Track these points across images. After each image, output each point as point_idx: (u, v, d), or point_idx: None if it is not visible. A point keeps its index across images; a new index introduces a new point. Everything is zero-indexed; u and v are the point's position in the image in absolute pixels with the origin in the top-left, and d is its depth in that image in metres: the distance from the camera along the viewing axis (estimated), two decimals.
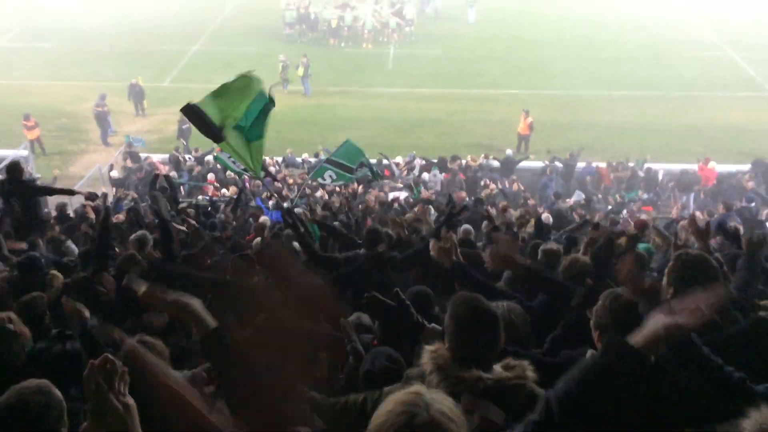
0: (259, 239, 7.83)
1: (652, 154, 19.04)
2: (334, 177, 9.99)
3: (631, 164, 18.32)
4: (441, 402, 1.54)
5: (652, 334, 1.79)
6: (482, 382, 2.22)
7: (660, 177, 18.13)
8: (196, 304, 1.82)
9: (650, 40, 30.20)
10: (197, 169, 17.92)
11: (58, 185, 14.83)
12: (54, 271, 4.75)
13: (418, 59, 28.45)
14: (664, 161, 18.85)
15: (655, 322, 1.82)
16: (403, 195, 15.44)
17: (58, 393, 2.25)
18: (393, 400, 1.55)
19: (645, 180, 17.92)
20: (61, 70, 26.76)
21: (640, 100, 23.97)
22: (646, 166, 18.32)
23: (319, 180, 10.59)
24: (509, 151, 18.97)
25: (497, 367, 2.35)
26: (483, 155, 18.96)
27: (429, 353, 2.37)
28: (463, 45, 30.25)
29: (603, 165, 18.41)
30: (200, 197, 15.56)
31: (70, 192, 9.21)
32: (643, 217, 11.37)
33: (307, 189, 15.93)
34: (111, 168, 17.90)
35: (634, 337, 1.80)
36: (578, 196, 16.34)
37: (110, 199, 14.91)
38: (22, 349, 3.39)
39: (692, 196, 17.28)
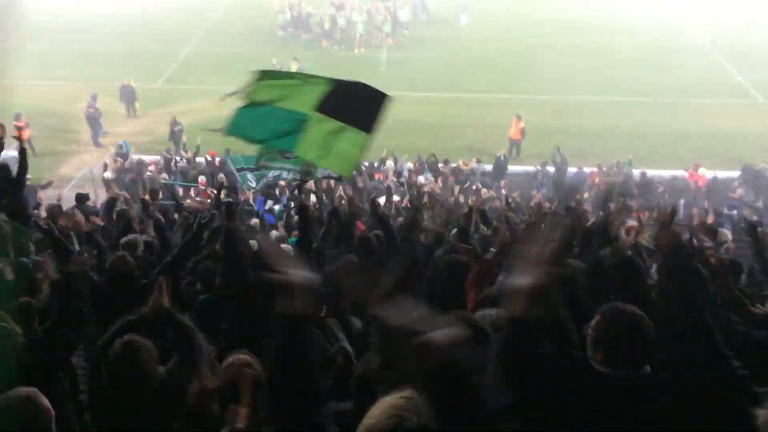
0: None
1: (644, 159, 19.13)
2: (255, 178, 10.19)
3: (624, 169, 18.40)
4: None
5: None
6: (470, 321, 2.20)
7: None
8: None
9: (642, 45, 30.33)
10: (190, 171, 17.87)
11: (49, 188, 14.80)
12: (41, 275, 4.71)
13: (411, 63, 28.48)
14: (655, 167, 18.94)
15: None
16: (395, 198, 15.42)
17: (46, 402, 2.24)
18: (384, 403, 1.53)
19: (640, 185, 17.97)
20: (52, 70, 26.64)
21: (632, 106, 24.09)
22: (640, 171, 18.38)
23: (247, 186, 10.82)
24: (501, 155, 19.02)
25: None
26: (474, 159, 19.01)
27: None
28: (456, 49, 30.30)
29: (594, 170, 18.48)
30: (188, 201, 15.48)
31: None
32: (632, 223, 11.39)
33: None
34: (105, 168, 17.80)
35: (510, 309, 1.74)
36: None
37: (100, 199, 14.86)
38: (14, 347, 3.40)
39: (682, 202, 17.36)
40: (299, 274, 1.78)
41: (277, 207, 15.04)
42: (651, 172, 18.50)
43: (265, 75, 6.95)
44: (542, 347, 1.79)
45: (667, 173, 18.57)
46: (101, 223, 9.24)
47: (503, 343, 1.76)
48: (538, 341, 1.76)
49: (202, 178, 16.97)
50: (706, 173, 17.97)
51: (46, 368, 3.32)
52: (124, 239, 5.96)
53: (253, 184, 11.74)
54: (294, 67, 23.83)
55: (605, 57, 28.89)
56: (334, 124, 6.60)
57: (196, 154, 18.64)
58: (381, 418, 1.48)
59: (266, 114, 6.85)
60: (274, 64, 23.70)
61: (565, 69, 27.54)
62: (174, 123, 20.23)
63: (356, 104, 6.76)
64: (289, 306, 1.74)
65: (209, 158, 18.01)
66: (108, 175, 17.40)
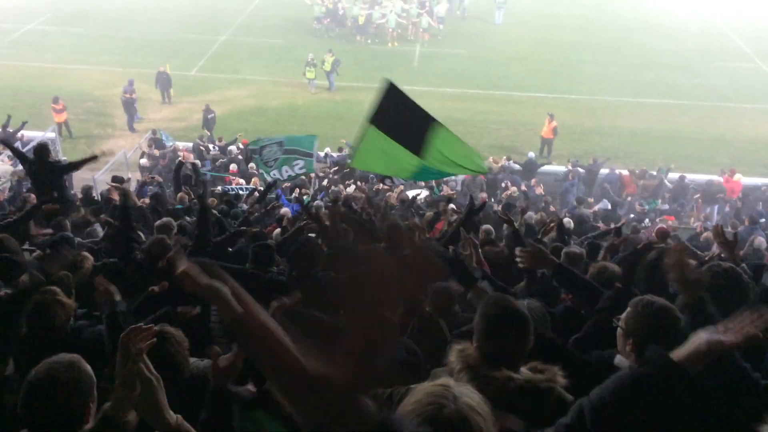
0: (279, 230, 7.91)
1: (677, 163, 18.85)
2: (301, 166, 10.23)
3: (653, 172, 18.14)
4: (469, 395, 1.55)
5: (694, 349, 1.79)
6: (513, 382, 2.21)
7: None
8: (226, 290, 1.81)
9: (679, 47, 29.83)
10: (220, 159, 18.06)
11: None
12: (85, 253, 4.79)
13: (444, 58, 28.37)
14: (689, 171, 18.62)
15: (699, 338, 1.82)
16: (423, 193, 15.44)
17: (89, 368, 2.28)
18: (421, 391, 1.56)
19: (673, 190, 17.71)
20: (91, 55, 27.10)
21: (667, 108, 23.72)
22: (677, 176, 18.10)
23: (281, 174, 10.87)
24: (531, 154, 18.89)
25: (525, 370, 2.35)
26: (505, 157, 18.89)
27: (457, 352, 2.36)
28: (489, 46, 30.11)
29: (626, 172, 18.25)
30: (220, 187, 15.66)
31: (94, 158, 9.17)
32: (664, 226, 11.26)
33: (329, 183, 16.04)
34: (142, 155, 18.10)
35: (676, 352, 1.80)
36: (604, 204, 16.23)
37: (134, 184, 15.12)
38: (68, 320, 3.48)
39: (716, 207, 17.08)
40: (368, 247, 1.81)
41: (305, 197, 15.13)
42: (686, 176, 18.22)
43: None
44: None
45: (701, 178, 18.24)
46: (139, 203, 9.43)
47: None
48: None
49: (233, 166, 17.15)
50: (742, 179, 17.62)
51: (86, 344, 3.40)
52: (159, 222, 6.05)
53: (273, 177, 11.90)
54: (329, 60, 23.88)
55: (642, 58, 28.45)
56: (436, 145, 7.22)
57: (228, 143, 18.81)
58: (419, 405, 1.51)
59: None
60: (309, 59, 23.65)
61: (600, 69, 27.22)
62: (207, 111, 20.47)
63: (401, 119, 7.04)
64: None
65: (241, 146, 18.18)
66: (144, 162, 17.69)
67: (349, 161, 9.02)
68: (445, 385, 1.56)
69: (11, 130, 17.61)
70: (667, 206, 17.19)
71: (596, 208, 15.76)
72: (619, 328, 2.68)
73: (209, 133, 20.25)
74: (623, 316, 2.69)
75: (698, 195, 17.58)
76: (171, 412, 1.74)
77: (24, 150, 17.02)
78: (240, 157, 17.83)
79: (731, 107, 23.83)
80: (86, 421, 2.13)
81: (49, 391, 2.16)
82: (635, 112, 23.38)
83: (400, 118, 6.98)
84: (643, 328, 2.54)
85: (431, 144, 7.12)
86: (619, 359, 2.69)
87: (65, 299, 3.55)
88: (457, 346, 2.39)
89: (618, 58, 28.44)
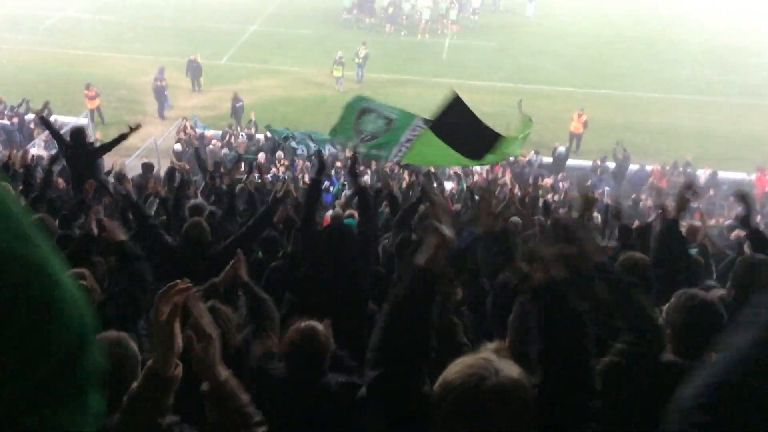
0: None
1: (709, 161, 18.53)
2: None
3: (688, 170, 17.87)
4: (510, 369, 1.56)
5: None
6: None
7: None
8: (212, 354, 1.79)
9: (714, 43, 29.26)
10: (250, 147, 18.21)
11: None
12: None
13: (473, 51, 28.19)
14: (721, 168, 18.31)
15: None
16: (449, 185, 15.40)
17: (134, 346, 2.35)
18: (462, 363, 1.58)
19: (704, 187, 17.43)
20: (124, 43, 27.45)
21: (700, 105, 23.31)
22: (709, 171, 17.82)
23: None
24: (562, 148, 18.71)
25: None
26: (533, 151, 18.75)
27: (489, 351, 2.37)
28: (520, 39, 29.85)
29: (656, 168, 18.00)
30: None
31: (124, 136, 9.20)
32: (696, 223, 11.09)
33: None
34: (177, 140, 18.31)
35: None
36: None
37: (163, 171, 15.31)
38: (91, 304, 3.54)
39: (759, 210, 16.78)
40: (448, 231, 1.84)
41: (332, 188, 15.20)
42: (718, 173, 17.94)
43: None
44: (574, 307, 1.87)
45: (733, 176, 17.93)
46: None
47: (535, 313, 1.87)
48: (567, 302, 1.86)
49: (261, 155, 17.25)
50: None
51: (117, 328, 3.47)
52: (191, 203, 6.12)
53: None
54: (362, 52, 23.84)
55: (675, 54, 27.98)
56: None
57: (256, 131, 18.96)
58: (461, 376, 1.52)
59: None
60: (338, 58, 23.49)
61: (632, 64, 26.84)
62: (236, 99, 20.62)
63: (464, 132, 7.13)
64: (431, 261, 1.80)
65: (269, 135, 18.28)
66: (177, 147, 17.89)
67: (396, 159, 8.87)
68: (486, 358, 1.58)
69: (45, 114, 17.94)
70: (696, 204, 16.91)
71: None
72: (660, 319, 2.66)
73: (237, 122, 20.40)
74: (666, 306, 2.67)
75: (731, 193, 17.27)
76: (222, 368, 1.78)
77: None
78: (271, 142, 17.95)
79: (764, 104, 23.32)
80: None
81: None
82: (667, 109, 23.02)
83: (460, 131, 7.38)
84: (684, 320, 2.54)
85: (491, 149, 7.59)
86: None
87: (91, 283, 3.61)
88: (490, 345, 2.40)
89: (650, 54, 28.00)
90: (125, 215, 6.38)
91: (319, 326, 3.04)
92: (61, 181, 10.02)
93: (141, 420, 1.73)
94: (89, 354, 0.82)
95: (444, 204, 1.96)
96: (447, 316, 2.53)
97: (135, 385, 1.76)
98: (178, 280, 1.77)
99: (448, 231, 1.82)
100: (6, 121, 18.87)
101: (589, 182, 16.66)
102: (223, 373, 1.77)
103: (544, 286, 1.83)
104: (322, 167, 5.24)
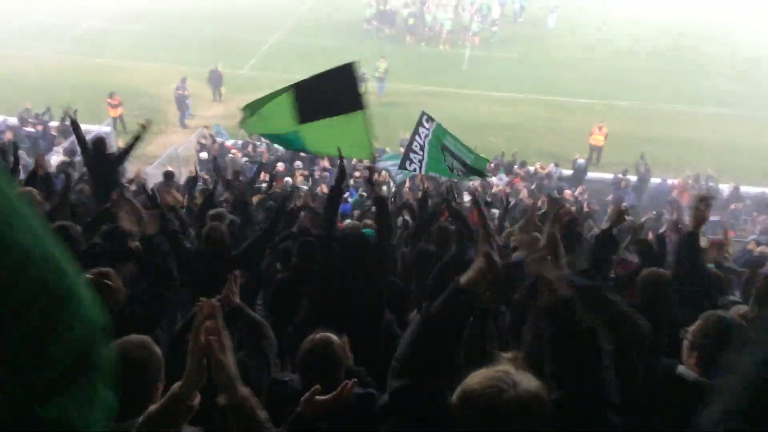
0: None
1: (731, 174, 18.30)
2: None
3: (711, 184, 17.67)
4: (528, 382, 1.55)
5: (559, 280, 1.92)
6: None
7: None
8: (233, 368, 1.83)
9: (737, 56, 28.98)
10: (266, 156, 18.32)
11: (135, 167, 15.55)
12: (136, 243, 4.87)
13: (493, 62, 28.20)
14: (744, 182, 18.07)
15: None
16: (467, 198, 15.34)
17: (158, 350, 2.36)
18: (481, 375, 1.57)
19: (727, 201, 17.22)
20: (147, 52, 27.83)
21: (723, 118, 23.07)
22: (732, 186, 17.63)
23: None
24: (581, 161, 18.60)
25: None
26: (552, 163, 18.65)
27: (505, 360, 2.36)
28: (540, 50, 29.80)
29: (678, 181, 17.82)
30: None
31: (139, 138, 9.18)
32: (718, 238, 10.94)
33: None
34: (201, 148, 18.48)
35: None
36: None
37: (183, 178, 15.45)
38: (116, 304, 3.58)
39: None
40: (497, 257, 1.86)
41: (351, 199, 15.22)
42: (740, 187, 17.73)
43: (248, 108, 7.32)
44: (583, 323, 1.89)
45: (756, 190, 17.71)
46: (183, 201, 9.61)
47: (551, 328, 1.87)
48: (574, 319, 1.89)
49: (280, 164, 17.35)
50: None
51: (142, 325, 3.48)
52: (212, 211, 6.17)
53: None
54: (383, 66, 23.87)
55: (698, 66, 27.76)
56: (322, 122, 6.84)
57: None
58: (480, 388, 1.52)
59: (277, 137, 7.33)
60: (362, 73, 23.36)
61: (653, 77, 26.64)
62: None
63: (329, 94, 6.94)
64: (472, 281, 1.82)
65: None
66: (204, 155, 18.09)
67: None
68: (505, 370, 1.57)
69: (67, 123, 18.22)
70: (717, 218, 16.71)
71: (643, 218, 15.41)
72: (685, 340, 2.62)
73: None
74: (691, 328, 2.62)
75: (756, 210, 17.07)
76: (242, 385, 1.79)
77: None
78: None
79: None
80: (154, 400, 2.20)
81: (120, 369, 2.23)
82: (689, 122, 22.81)
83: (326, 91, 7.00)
84: (710, 343, 2.49)
85: (330, 122, 6.95)
86: (682, 369, 2.63)
87: (115, 283, 3.63)
88: (505, 355, 2.39)
89: (673, 66, 27.80)
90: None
91: (333, 337, 3.03)
92: (86, 188, 10.14)
93: None
94: (101, 349, 0.86)
95: (492, 231, 1.95)
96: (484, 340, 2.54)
97: (155, 406, 1.78)
98: (212, 300, 1.80)
99: (497, 258, 1.83)
100: (31, 129, 19.18)
101: (610, 196, 16.54)
102: (243, 389, 1.78)
103: (551, 305, 1.83)
104: (342, 175, 5.24)
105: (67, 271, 0.82)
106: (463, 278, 1.83)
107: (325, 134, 6.96)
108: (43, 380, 0.77)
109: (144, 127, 9.02)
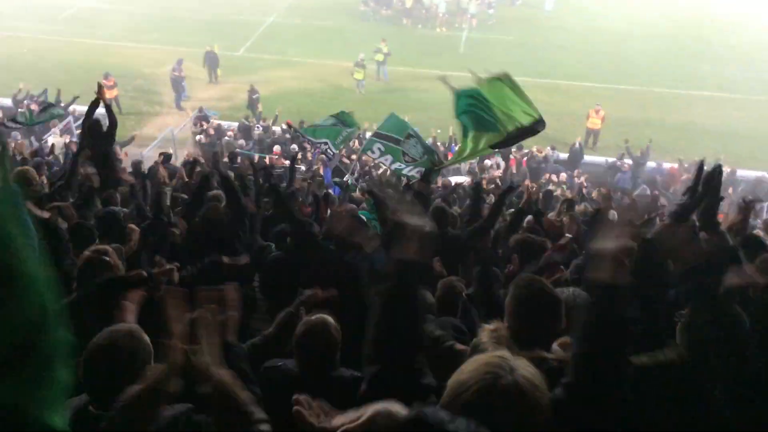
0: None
1: (729, 159, 18.28)
2: (383, 149, 9.99)
3: (707, 168, 17.60)
4: (525, 368, 1.54)
5: (613, 264, 1.78)
6: (545, 363, 2.20)
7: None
8: (242, 394, 1.78)
9: (737, 40, 28.86)
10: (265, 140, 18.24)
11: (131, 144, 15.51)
12: (132, 225, 4.89)
13: (491, 45, 28.01)
14: (741, 167, 18.07)
15: (605, 253, 1.80)
16: (466, 179, 15.34)
17: (147, 338, 2.36)
18: (477, 361, 1.56)
19: (723, 185, 17.20)
20: (142, 33, 27.59)
21: (721, 103, 23.02)
22: (729, 169, 17.59)
23: (369, 153, 10.58)
24: (579, 143, 18.56)
25: (556, 346, 2.34)
26: (549, 146, 18.62)
27: (488, 332, 2.37)
28: (538, 33, 29.61)
29: (675, 165, 17.81)
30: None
31: (96, 103, 9.02)
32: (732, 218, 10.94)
33: (368, 167, 16.06)
34: (201, 131, 18.38)
35: (598, 275, 1.79)
36: (643, 190, 15.93)
37: (180, 160, 15.39)
38: None
39: (765, 206, 16.53)
40: (417, 220, 1.81)
41: (349, 180, 15.17)
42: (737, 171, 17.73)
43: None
44: (628, 312, 1.84)
45: (752, 174, 17.73)
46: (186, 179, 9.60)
47: (589, 310, 1.79)
48: (624, 306, 1.80)
49: (277, 147, 17.29)
50: None
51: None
52: (210, 192, 6.17)
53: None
54: (384, 48, 23.69)
55: (697, 50, 27.63)
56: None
57: (273, 123, 19.00)
58: (476, 374, 1.50)
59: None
60: (359, 60, 23.11)
61: (652, 60, 26.52)
62: (252, 91, 20.66)
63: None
64: (405, 251, 1.77)
65: (284, 127, 18.29)
66: (201, 138, 18.01)
67: (368, 146, 9.38)
68: (501, 356, 1.56)
69: (63, 104, 18.10)
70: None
71: (635, 194, 15.48)
72: (680, 324, 2.63)
73: (253, 114, 20.44)
74: (685, 311, 2.63)
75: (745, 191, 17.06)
76: (219, 369, 1.77)
77: (75, 125, 17.61)
78: (287, 135, 17.96)
79: None
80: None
81: (109, 358, 2.24)
82: (687, 106, 22.76)
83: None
84: (700, 324, 2.49)
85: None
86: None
87: (113, 260, 3.64)
88: (488, 326, 2.40)
89: (671, 50, 27.67)
90: (139, 206, 6.50)
91: (329, 319, 3.03)
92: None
93: (133, 425, 1.76)
94: (54, 329, 0.85)
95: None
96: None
97: (136, 387, 1.78)
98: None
99: (413, 220, 1.80)
100: (24, 110, 19.02)
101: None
102: (220, 373, 1.75)
103: (604, 287, 1.78)
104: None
105: (16, 250, 0.81)
106: (395, 252, 1.81)
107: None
108: None
109: (97, 92, 8.86)
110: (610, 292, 1.77)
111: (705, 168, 4.61)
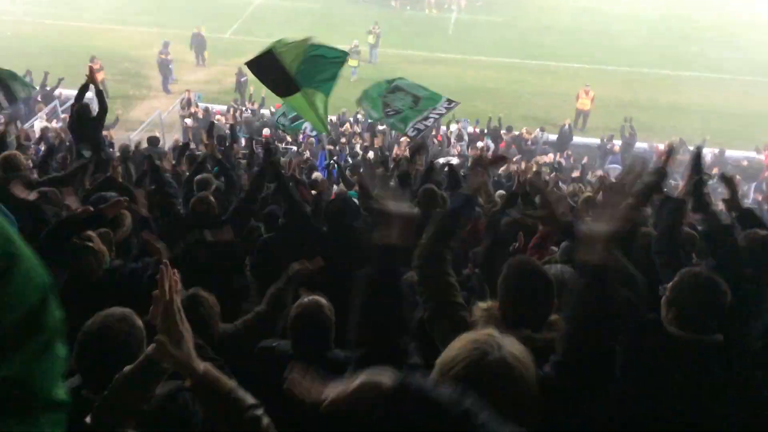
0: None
1: (716, 139, 18.40)
2: (367, 107, 10.12)
3: (691, 148, 17.73)
4: (512, 345, 1.57)
5: (604, 245, 1.79)
6: (533, 342, 2.23)
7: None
8: (228, 383, 1.75)
9: (724, 20, 28.90)
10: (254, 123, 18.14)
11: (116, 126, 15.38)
12: (124, 211, 4.85)
13: (480, 26, 27.92)
14: (728, 147, 18.18)
15: (597, 233, 1.80)
16: (454, 160, 15.34)
17: (140, 322, 2.37)
18: (465, 338, 1.58)
19: (711, 165, 17.33)
20: (128, 15, 27.25)
21: (709, 83, 23.10)
22: (717, 149, 17.75)
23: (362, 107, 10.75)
24: (568, 125, 18.60)
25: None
26: (539, 128, 18.65)
27: (480, 311, 2.39)
28: (527, 14, 29.53)
29: (662, 146, 17.89)
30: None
31: (85, 87, 9.02)
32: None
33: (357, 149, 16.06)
34: (190, 115, 18.24)
35: (587, 257, 1.81)
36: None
37: (168, 144, 15.31)
38: (100, 265, 3.62)
39: (753, 185, 16.69)
40: (398, 205, 1.82)
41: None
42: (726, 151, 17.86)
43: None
44: (618, 293, 1.85)
45: (740, 154, 17.85)
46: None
47: (580, 291, 1.81)
48: (614, 287, 1.82)
49: (266, 131, 17.20)
50: None
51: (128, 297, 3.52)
52: (198, 177, 6.16)
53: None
54: (376, 31, 23.54)
55: (685, 30, 27.65)
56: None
57: (261, 106, 18.89)
58: (464, 351, 1.53)
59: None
60: (353, 46, 22.82)
61: (640, 41, 26.54)
62: (240, 74, 20.50)
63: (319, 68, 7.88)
64: (386, 236, 1.79)
65: (273, 110, 18.20)
66: (188, 122, 17.88)
67: (412, 133, 9.32)
68: (489, 333, 1.59)
69: (48, 88, 17.94)
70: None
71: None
72: (663, 296, 2.67)
73: (241, 97, 20.30)
74: (670, 284, 2.68)
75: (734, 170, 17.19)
76: (199, 361, 1.74)
77: (61, 109, 17.44)
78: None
79: None
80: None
81: (103, 342, 2.26)
82: (675, 86, 22.83)
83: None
84: (686, 299, 2.54)
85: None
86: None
87: (99, 246, 3.66)
88: (481, 304, 2.42)
89: (660, 30, 27.68)
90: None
91: (323, 301, 3.06)
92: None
93: (126, 402, 1.77)
94: (51, 308, 0.90)
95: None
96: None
97: (129, 368, 1.79)
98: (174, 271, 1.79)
99: (394, 206, 1.81)
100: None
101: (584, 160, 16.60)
102: (201, 364, 1.73)
103: (595, 267, 1.80)
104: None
105: (11, 237, 0.85)
106: (376, 237, 1.83)
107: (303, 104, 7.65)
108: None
109: (88, 76, 8.83)
110: (601, 274, 1.79)
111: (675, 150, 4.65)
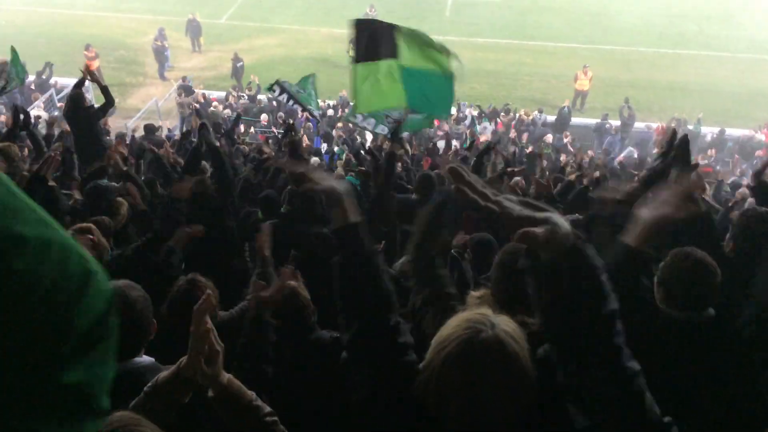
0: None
1: (715, 118, 18.37)
2: (366, 114, 9.66)
3: (690, 127, 17.73)
4: (506, 323, 1.58)
5: (643, 230, 1.91)
6: (527, 327, 2.24)
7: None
8: (247, 394, 1.91)
9: None
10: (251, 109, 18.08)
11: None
12: (120, 198, 4.84)
13: (477, 7, 27.73)
14: (727, 125, 18.16)
15: (642, 218, 1.92)
16: (454, 142, 15.32)
17: (142, 290, 2.47)
18: (459, 317, 1.60)
19: (711, 144, 17.33)
20: (122, 2, 27.06)
21: (707, 61, 23.00)
22: (718, 129, 17.73)
23: (351, 119, 10.45)
24: (567, 106, 18.56)
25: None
26: (537, 109, 18.60)
27: (474, 298, 2.41)
28: None
29: (661, 125, 17.87)
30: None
31: (105, 89, 9.04)
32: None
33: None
34: (190, 105, 18.18)
35: (627, 238, 1.93)
36: (629, 152, 16.02)
37: (164, 132, 15.29)
38: (99, 259, 3.61)
39: (753, 163, 16.68)
40: (329, 182, 1.81)
41: (336, 148, 15.15)
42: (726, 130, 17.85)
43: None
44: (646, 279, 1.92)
45: (739, 132, 17.83)
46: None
47: (616, 270, 1.87)
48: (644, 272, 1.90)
49: (264, 116, 17.17)
50: None
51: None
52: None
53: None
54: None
55: (683, 9, 27.48)
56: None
57: (258, 92, 18.83)
58: (458, 329, 1.55)
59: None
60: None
61: (638, 20, 26.37)
62: (236, 59, 20.42)
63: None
64: (336, 219, 1.79)
65: (270, 96, 18.13)
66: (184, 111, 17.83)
67: (351, 112, 8.81)
68: (482, 313, 1.60)
69: (44, 77, 17.88)
70: (704, 160, 16.87)
71: (621, 157, 15.56)
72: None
73: (238, 83, 20.23)
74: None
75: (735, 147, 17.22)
76: (224, 372, 1.86)
77: (57, 98, 17.38)
78: (275, 103, 17.82)
79: None
80: (151, 333, 2.40)
81: (124, 308, 2.29)
82: (673, 65, 22.74)
83: (371, 40, 7.07)
84: (677, 279, 2.55)
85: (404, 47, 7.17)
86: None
87: (97, 238, 3.65)
88: (474, 293, 2.43)
89: (658, 8, 27.51)
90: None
91: (297, 287, 3.07)
92: None
93: (158, 408, 1.84)
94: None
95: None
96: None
97: (164, 375, 1.87)
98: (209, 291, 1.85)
99: (333, 184, 1.80)
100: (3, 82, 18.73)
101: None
102: (225, 376, 1.85)
103: (630, 251, 1.93)
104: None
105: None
106: (335, 223, 1.83)
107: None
108: (68, 350, 0.83)
109: (86, 73, 8.82)
110: (635, 256, 1.92)
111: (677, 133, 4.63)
